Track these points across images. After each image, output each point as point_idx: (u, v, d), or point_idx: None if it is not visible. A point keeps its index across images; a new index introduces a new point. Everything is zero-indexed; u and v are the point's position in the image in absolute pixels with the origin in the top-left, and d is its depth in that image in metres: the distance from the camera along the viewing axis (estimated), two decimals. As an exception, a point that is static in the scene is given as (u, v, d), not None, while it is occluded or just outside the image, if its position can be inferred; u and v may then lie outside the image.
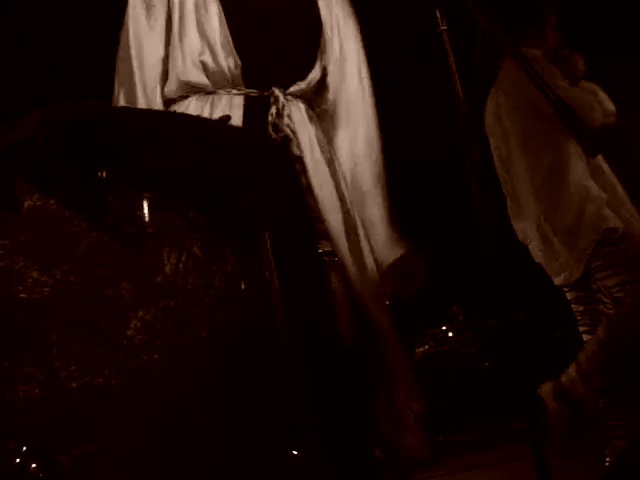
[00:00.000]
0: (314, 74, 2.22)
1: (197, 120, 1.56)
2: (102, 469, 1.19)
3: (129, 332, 1.24)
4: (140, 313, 1.25)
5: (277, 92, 2.13)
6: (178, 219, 1.33)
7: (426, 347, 6.87)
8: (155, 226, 1.31)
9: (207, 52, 2.08)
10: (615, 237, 3.56)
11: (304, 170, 2.11)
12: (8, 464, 1.16)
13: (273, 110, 2.11)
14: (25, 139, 1.26)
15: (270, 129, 2.09)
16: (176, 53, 2.10)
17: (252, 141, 1.48)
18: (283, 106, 2.13)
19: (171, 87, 2.12)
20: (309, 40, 2.25)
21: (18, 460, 1.16)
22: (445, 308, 7.31)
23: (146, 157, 1.30)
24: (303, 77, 2.20)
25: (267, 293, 1.49)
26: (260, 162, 1.47)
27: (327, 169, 2.15)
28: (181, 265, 1.30)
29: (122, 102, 2.09)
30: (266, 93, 2.12)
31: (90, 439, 1.19)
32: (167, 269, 1.29)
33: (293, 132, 2.13)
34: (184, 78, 2.09)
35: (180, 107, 2.10)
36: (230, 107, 2.08)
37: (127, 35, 2.13)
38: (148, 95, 2.10)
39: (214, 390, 1.28)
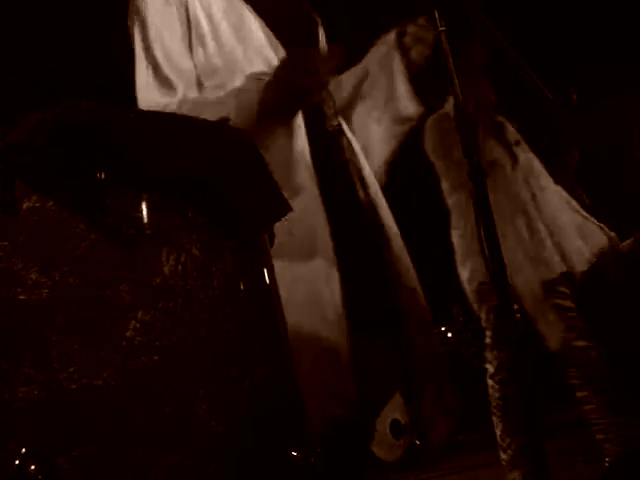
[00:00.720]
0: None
1: (197, 121, 1.56)
2: (101, 471, 1.18)
3: (128, 333, 1.24)
4: (139, 314, 1.25)
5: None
6: (177, 220, 1.33)
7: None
8: (154, 227, 1.31)
9: (261, 64, 2.07)
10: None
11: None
12: (7, 466, 1.16)
13: (328, 103, 2.14)
14: (24, 141, 1.26)
15: (328, 120, 2.13)
16: (217, 64, 2.05)
17: (252, 142, 1.48)
18: (332, 98, 2.16)
19: (216, 93, 2.03)
20: (315, 34, 2.28)
21: (17, 462, 1.16)
22: (445, 309, 7.31)
23: (145, 158, 1.30)
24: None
25: (266, 294, 1.49)
26: (260, 163, 1.47)
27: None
28: (180, 266, 1.30)
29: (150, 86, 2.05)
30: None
31: (90, 441, 1.19)
32: (166, 270, 1.29)
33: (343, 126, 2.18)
34: (233, 85, 2.02)
35: None
36: None
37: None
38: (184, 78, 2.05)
39: (214, 391, 1.28)
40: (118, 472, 1.19)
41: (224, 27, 2.07)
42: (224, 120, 1.50)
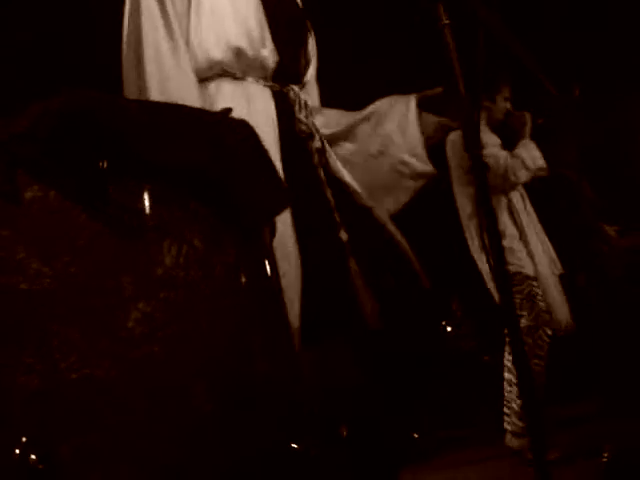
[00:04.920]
0: (310, 75, 2.27)
1: (199, 112, 1.56)
2: (103, 460, 1.19)
3: (129, 324, 1.24)
4: (141, 305, 1.25)
5: (296, 88, 2.17)
6: (179, 211, 1.33)
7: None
8: (156, 218, 1.31)
9: (245, 40, 2.09)
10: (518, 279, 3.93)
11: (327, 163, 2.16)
12: (8, 455, 1.16)
13: (297, 106, 2.14)
14: (28, 131, 1.26)
15: (298, 124, 2.13)
16: (206, 33, 2.07)
17: (254, 134, 1.47)
18: (305, 102, 2.17)
19: (199, 63, 2.08)
20: (303, 40, 2.29)
21: (18, 451, 1.16)
22: (444, 304, 7.31)
23: (148, 149, 1.30)
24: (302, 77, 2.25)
25: (268, 285, 1.49)
26: (263, 155, 1.46)
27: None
28: (182, 257, 1.30)
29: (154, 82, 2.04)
30: (285, 89, 2.16)
31: (90, 430, 1.19)
32: (168, 261, 1.29)
33: (315, 127, 2.18)
34: (215, 57, 2.07)
35: (210, 84, 2.10)
36: (263, 98, 2.10)
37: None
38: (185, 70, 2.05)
39: (214, 382, 1.28)
40: (118, 461, 1.19)
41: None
42: (227, 111, 1.49)
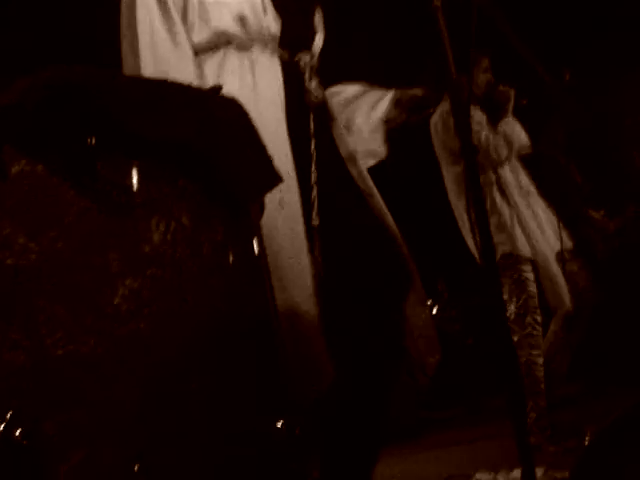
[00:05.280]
0: (317, 45, 2.24)
1: (190, 89, 1.54)
2: (87, 436, 1.19)
3: (116, 300, 1.23)
4: (128, 281, 1.24)
5: (306, 57, 2.14)
6: (167, 188, 1.33)
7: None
8: (144, 195, 1.31)
9: (247, 7, 2.06)
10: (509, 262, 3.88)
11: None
12: (-7, 430, 1.16)
13: (307, 75, 2.12)
14: (15, 105, 1.25)
15: (308, 95, 2.11)
16: (209, 4, 2.04)
17: (244, 112, 1.47)
18: (314, 71, 2.15)
19: (202, 35, 2.05)
20: (311, 9, 2.26)
21: (2, 426, 1.16)
22: (430, 284, 7.34)
23: (137, 125, 1.29)
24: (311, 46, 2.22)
25: (256, 263, 1.48)
26: (252, 132, 1.46)
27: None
28: (169, 234, 1.29)
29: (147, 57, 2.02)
30: (296, 58, 2.13)
31: (75, 406, 1.19)
32: (155, 238, 1.28)
33: (323, 98, 2.16)
34: (221, 27, 2.04)
35: (214, 58, 2.06)
36: (271, 68, 2.08)
37: None
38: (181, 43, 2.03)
39: (201, 359, 1.28)
40: (103, 437, 1.19)
41: None
42: (217, 88, 1.48)
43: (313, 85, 2.12)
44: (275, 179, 1.53)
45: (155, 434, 1.22)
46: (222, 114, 1.43)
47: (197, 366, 1.28)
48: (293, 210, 1.94)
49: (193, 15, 2.04)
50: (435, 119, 4.02)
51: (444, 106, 3.90)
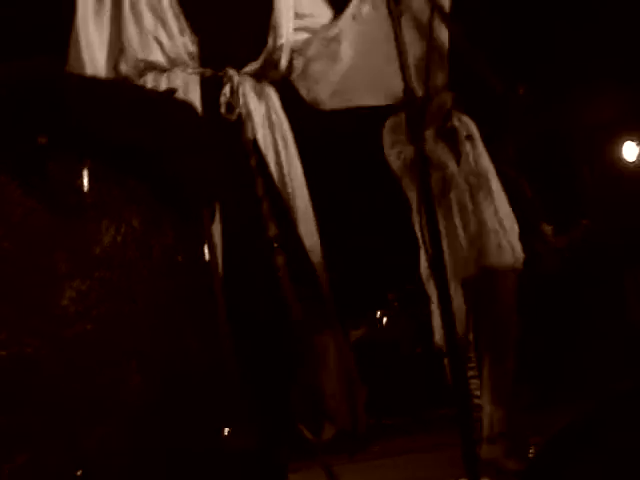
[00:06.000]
0: (266, 53, 2.22)
1: (143, 91, 1.54)
2: (32, 438, 1.17)
3: (63, 302, 1.22)
4: (75, 283, 1.23)
5: (231, 72, 2.13)
6: (118, 190, 1.32)
7: (360, 332, 6.92)
8: (94, 196, 1.29)
9: (161, 30, 2.07)
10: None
11: (258, 150, 2.11)
12: None
13: (227, 89, 2.10)
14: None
15: (223, 109, 2.08)
16: (130, 32, 2.08)
17: (197, 116, 1.46)
18: (238, 86, 2.13)
19: (128, 65, 2.09)
20: (261, 18, 2.24)
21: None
22: (380, 294, 7.37)
23: (90, 125, 1.28)
24: (256, 56, 2.20)
25: (205, 267, 1.48)
26: (204, 138, 1.45)
27: (284, 150, 2.16)
28: (120, 236, 1.28)
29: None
30: (220, 73, 2.11)
31: (19, 408, 1.17)
32: (105, 240, 1.27)
33: (248, 112, 2.13)
34: (141, 56, 2.07)
35: (140, 82, 2.07)
36: (187, 85, 2.07)
37: (76, 18, 2.09)
38: (98, 73, 2.06)
39: (148, 360, 1.27)
40: (47, 439, 1.17)
41: None
42: (171, 91, 1.48)
43: (232, 100, 2.11)
44: (227, 185, 1.52)
45: (102, 435, 1.20)
46: (175, 117, 1.42)
47: (144, 368, 1.27)
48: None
49: (115, 46, 2.09)
50: (386, 131, 4.02)
51: (394, 120, 3.91)
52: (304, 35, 2.35)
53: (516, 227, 4.00)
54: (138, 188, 1.34)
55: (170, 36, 2.07)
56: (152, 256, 1.32)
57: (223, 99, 2.09)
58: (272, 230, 2.01)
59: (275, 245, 2.00)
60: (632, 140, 7.90)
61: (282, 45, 2.24)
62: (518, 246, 3.96)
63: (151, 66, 2.08)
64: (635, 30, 6.08)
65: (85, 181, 1.29)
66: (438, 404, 5.66)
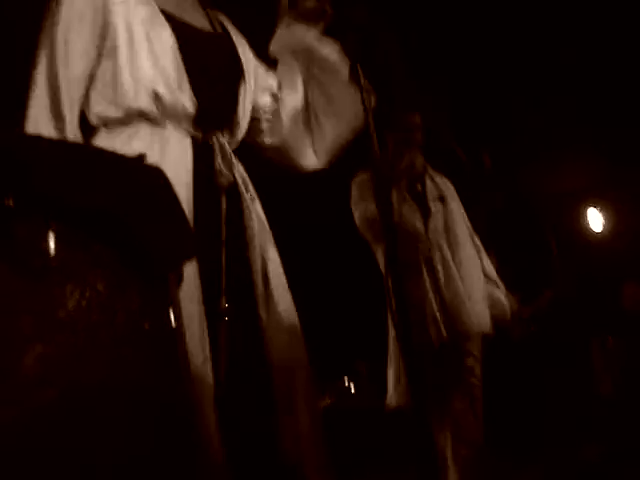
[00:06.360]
0: (241, 130, 2.26)
1: (112, 155, 1.54)
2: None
3: (25, 366, 1.20)
4: (38, 347, 1.21)
5: (221, 139, 2.13)
6: (83, 254, 1.31)
7: (327, 400, 6.87)
8: (59, 260, 1.28)
9: (161, 84, 2.05)
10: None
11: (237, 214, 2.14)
12: None
13: (218, 156, 2.10)
14: None
15: (218, 176, 2.09)
16: (124, 77, 2.03)
17: (166, 180, 1.47)
18: (230, 154, 2.14)
19: (117, 111, 2.04)
20: (232, 93, 2.27)
21: None
22: (348, 362, 7.34)
23: (55, 189, 1.28)
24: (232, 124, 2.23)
25: (171, 335, 1.47)
26: (173, 202, 1.46)
27: (257, 219, 2.19)
28: (84, 300, 1.27)
29: (43, 114, 2.01)
30: (210, 141, 2.12)
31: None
32: (69, 304, 1.26)
33: (242, 179, 2.16)
34: (135, 105, 2.03)
35: (125, 132, 2.05)
36: (181, 147, 2.06)
37: (54, 51, 2.02)
38: (73, 109, 2.03)
39: (112, 430, 1.25)
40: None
41: (140, 38, 2.05)
42: (141, 157, 1.48)
43: (224, 166, 2.10)
44: (193, 250, 1.53)
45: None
46: (144, 182, 1.43)
47: (108, 437, 1.24)
48: (191, 289, 1.93)
49: (106, 88, 2.05)
50: (354, 189, 4.04)
51: (362, 176, 3.95)
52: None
53: (486, 292, 4.03)
54: (103, 252, 1.33)
55: (169, 89, 2.05)
56: (116, 321, 1.31)
57: (218, 166, 2.10)
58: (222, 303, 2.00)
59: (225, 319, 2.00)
60: (597, 208, 8.04)
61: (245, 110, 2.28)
62: (486, 311, 3.98)
63: (142, 117, 2.05)
64: (601, 99, 6.22)
65: (51, 244, 1.28)
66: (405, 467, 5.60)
